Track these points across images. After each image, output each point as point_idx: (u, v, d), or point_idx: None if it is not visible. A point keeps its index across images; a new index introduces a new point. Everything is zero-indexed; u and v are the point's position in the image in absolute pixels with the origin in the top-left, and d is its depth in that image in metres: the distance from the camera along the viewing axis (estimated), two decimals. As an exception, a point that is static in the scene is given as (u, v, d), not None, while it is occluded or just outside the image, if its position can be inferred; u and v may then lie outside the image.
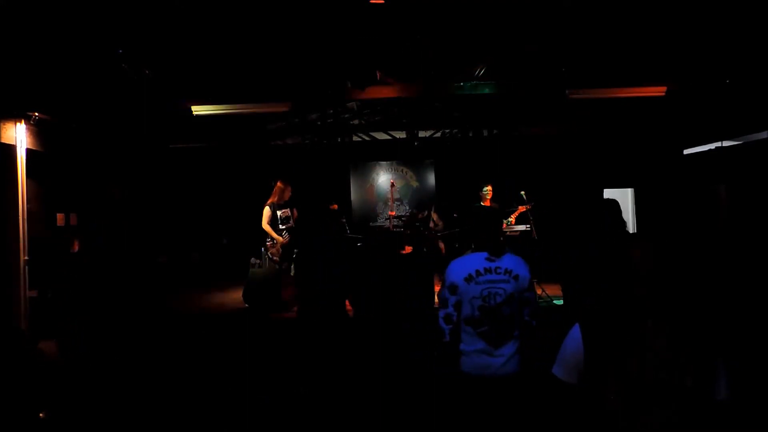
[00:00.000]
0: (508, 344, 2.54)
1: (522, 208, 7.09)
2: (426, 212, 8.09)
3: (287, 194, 6.77)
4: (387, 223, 9.12)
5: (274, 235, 6.58)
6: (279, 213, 6.72)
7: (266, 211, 6.65)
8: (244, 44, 5.72)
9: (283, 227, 6.67)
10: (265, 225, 6.59)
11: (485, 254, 2.63)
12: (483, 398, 2.56)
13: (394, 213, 8.88)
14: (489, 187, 7.09)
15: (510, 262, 2.62)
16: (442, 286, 2.72)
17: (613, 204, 3.11)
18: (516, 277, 2.57)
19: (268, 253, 6.70)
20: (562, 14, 5.09)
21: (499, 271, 2.57)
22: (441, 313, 2.66)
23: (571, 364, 1.64)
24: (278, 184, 6.76)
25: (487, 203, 7.12)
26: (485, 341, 2.54)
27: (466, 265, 2.63)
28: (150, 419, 3.80)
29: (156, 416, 3.84)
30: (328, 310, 3.47)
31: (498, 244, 2.67)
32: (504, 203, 7.32)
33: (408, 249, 7.41)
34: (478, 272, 2.58)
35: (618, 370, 1.51)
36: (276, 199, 6.73)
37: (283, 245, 6.61)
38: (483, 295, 2.54)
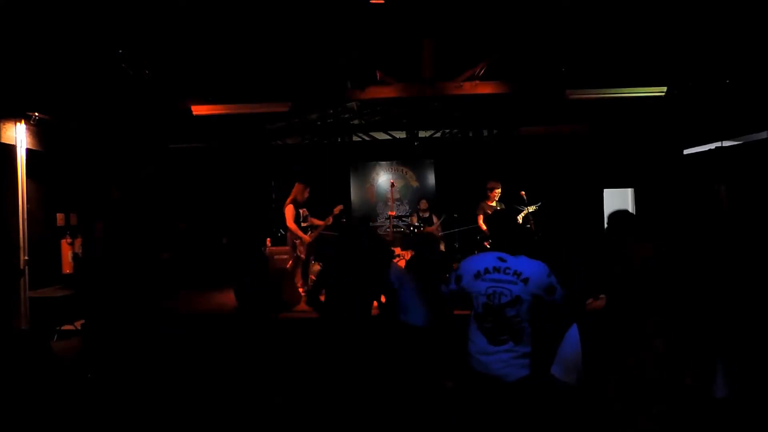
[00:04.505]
0: (510, 346, 2.52)
1: (530, 209, 7.07)
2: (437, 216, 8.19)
3: (306, 194, 6.89)
4: (387, 223, 9.12)
5: (300, 233, 6.68)
6: (300, 212, 6.88)
7: (290, 210, 6.70)
8: (244, 44, 5.72)
9: (305, 225, 6.82)
10: (292, 224, 6.66)
11: (499, 254, 2.64)
12: (485, 396, 2.57)
13: (394, 213, 8.88)
14: (496, 185, 7.10)
15: (522, 264, 2.58)
16: (451, 275, 2.85)
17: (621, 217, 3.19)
18: (525, 281, 2.52)
19: (296, 251, 6.79)
20: (562, 14, 5.09)
21: (507, 271, 2.56)
22: (443, 289, 2.98)
23: (569, 363, 1.64)
24: (297, 184, 6.90)
25: (493, 202, 7.12)
26: (486, 337, 2.55)
27: (479, 262, 2.66)
28: (151, 419, 3.80)
29: (157, 416, 3.84)
30: (356, 314, 3.51)
31: (514, 245, 2.67)
32: (505, 204, 7.32)
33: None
34: (486, 270, 2.59)
35: (618, 370, 1.51)
36: (299, 198, 6.83)
37: (309, 243, 6.76)
38: (488, 293, 2.55)
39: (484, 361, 2.55)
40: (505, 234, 2.74)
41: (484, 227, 6.92)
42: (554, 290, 2.56)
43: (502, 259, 2.60)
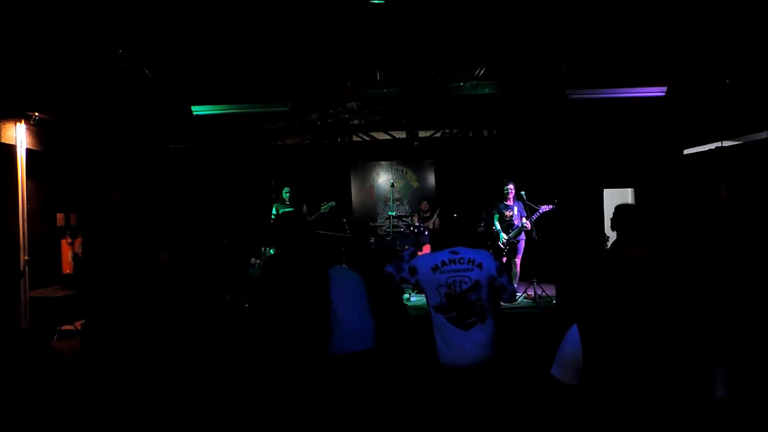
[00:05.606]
0: (478, 328, 2.74)
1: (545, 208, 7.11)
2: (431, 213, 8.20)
3: (285, 193, 7.15)
4: (387, 224, 9.12)
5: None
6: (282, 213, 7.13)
7: (272, 211, 7.25)
8: (244, 44, 5.72)
9: None
10: (270, 223, 7.11)
11: (448, 249, 2.93)
12: (461, 387, 2.72)
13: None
14: (512, 186, 7.24)
15: (472, 253, 2.88)
16: (404, 264, 2.98)
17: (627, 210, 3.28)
18: (480, 266, 2.81)
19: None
20: (562, 14, 5.09)
21: (462, 261, 2.84)
22: (390, 269, 3.02)
23: (569, 364, 1.65)
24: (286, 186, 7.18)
25: (510, 201, 7.23)
26: (456, 326, 2.75)
27: (433, 258, 2.92)
28: (151, 419, 3.80)
29: (157, 416, 3.84)
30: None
31: (458, 242, 2.97)
32: (523, 203, 7.33)
33: (426, 248, 7.77)
34: (443, 263, 2.86)
35: (618, 370, 1.51)
36: (279, 198, 7.29)
37: None
38: (448, 282, 2.80)
39: (461, 349, 2.72)
40: (448, 231, 3.11)
41: (499, 227, 7.03)
42: (501, 272, 2.85)
43: (454, 252, 2.89)
